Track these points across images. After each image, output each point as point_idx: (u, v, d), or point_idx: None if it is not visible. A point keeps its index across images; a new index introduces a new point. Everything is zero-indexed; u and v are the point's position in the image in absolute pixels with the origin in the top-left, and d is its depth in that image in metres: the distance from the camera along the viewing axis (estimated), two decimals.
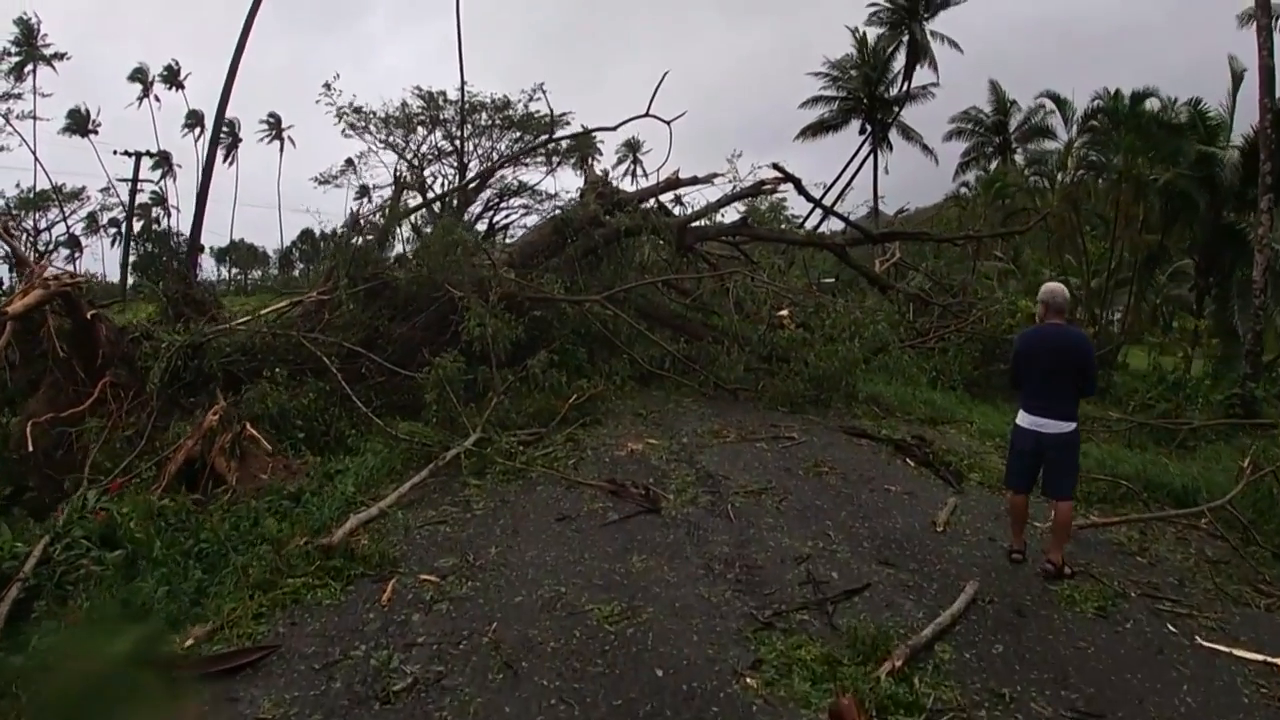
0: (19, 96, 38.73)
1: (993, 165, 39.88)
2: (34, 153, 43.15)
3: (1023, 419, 5.73)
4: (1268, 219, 16.07)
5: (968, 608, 4.94)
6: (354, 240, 11.52)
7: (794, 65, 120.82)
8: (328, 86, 24.28)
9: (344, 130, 30.41)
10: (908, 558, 5.83)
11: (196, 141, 59.91)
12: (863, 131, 44.63)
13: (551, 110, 27.36)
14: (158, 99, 61.86)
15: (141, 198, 48.24)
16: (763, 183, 15.56)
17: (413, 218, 20.21)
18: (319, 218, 73.04)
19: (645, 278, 13.06)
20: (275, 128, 73.89)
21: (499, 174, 31.73)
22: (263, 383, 8.47)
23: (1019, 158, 39.10)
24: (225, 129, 67.52)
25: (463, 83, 29.78)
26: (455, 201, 26.85)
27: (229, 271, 76.02)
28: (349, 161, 33.39)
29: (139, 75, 60.91)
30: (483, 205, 32.44)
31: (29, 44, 44.93)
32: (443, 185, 31.40)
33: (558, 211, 16.94)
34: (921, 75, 42.95)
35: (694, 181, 15.75)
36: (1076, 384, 5.64)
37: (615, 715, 3.76)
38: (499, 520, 6.37)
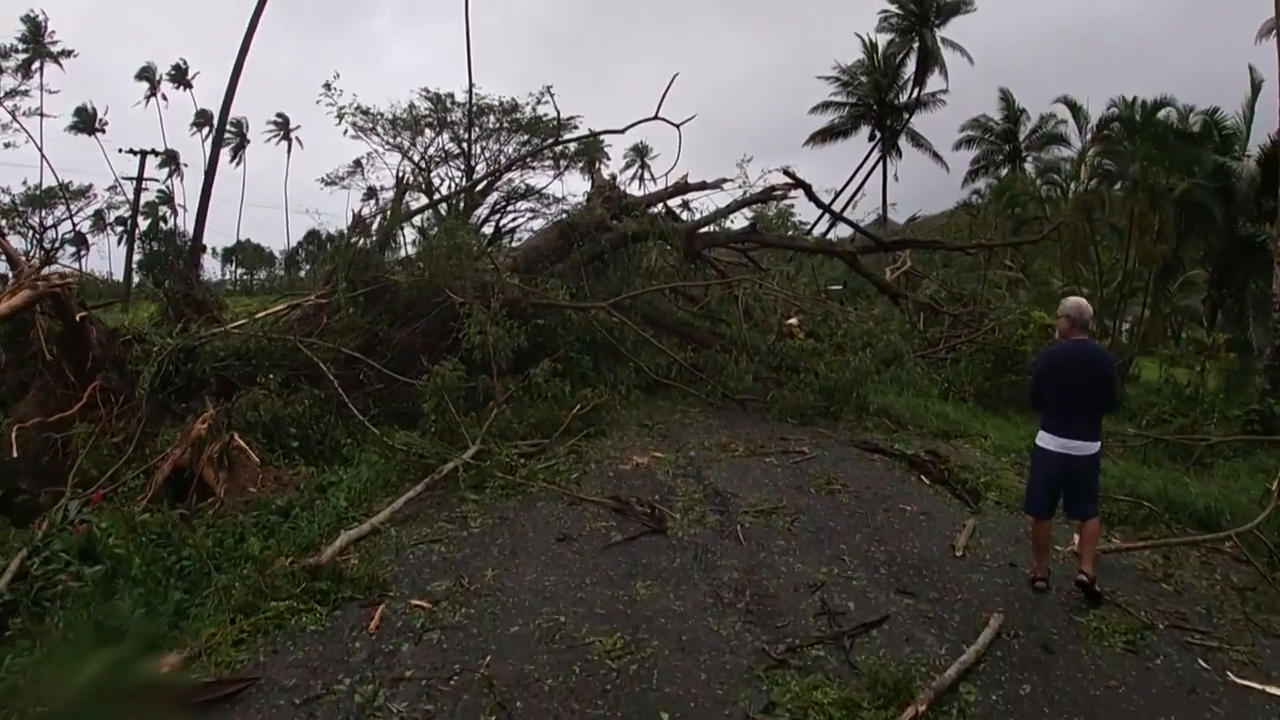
0: (26, 93, 38.69)
1: (1002, 173, 39.57)
2: (40, 150, 43.14)
3: (1049, 441, 5.45)
4: None
5: (992, 643, 4.66)
6: (355, 242, 11.25)
7: (801, 71, 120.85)
8: (328, 86, 24.02)
9: (345, 131, 30.21)
10: (927, 585, 5.54)
11: (204, 141, 60.01)
12: (872, 138, 44.38)
13: (559, 112, 27.12)
14: (165, 98, 62.08)
15: (148, 196, 48.22)
16: (773, 188, 15.25)
17: (418, 220, 20.04)
18: (318, 218, 72.88)
19: (652, 284, 12.77)
20: (283, 128, 73.93)
21: (506, 177, 31.49)
22: (255, 390, 8.18)
23: (1029, 166, 38.85)
24: (232, 129, 67.78)
25: (471, 84, 29.60)
26: (461, 204, 26.60)
27: (234, 272, 76.07)
28: (356, 163, 33.15)
29: (146, 74, 61.04)
30: (489, 209, 32.20)
31: (36, 41, 44.90)
32: (450, 188, 31.20)
33: (564, 215, 16.67)
34: (932, 82, 42.80)
35: (703, 187, 15.45)
36: (1102, 402, 5.46)
37: None
38: (497, 539, 6.08)
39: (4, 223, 36.34)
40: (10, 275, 9.68)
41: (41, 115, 42.78)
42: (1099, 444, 5.42)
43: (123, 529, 5.74)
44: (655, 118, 14.34)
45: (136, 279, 34.51)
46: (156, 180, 48.09)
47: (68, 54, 47.05)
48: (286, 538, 5.89)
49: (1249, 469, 9.45)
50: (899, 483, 7.98)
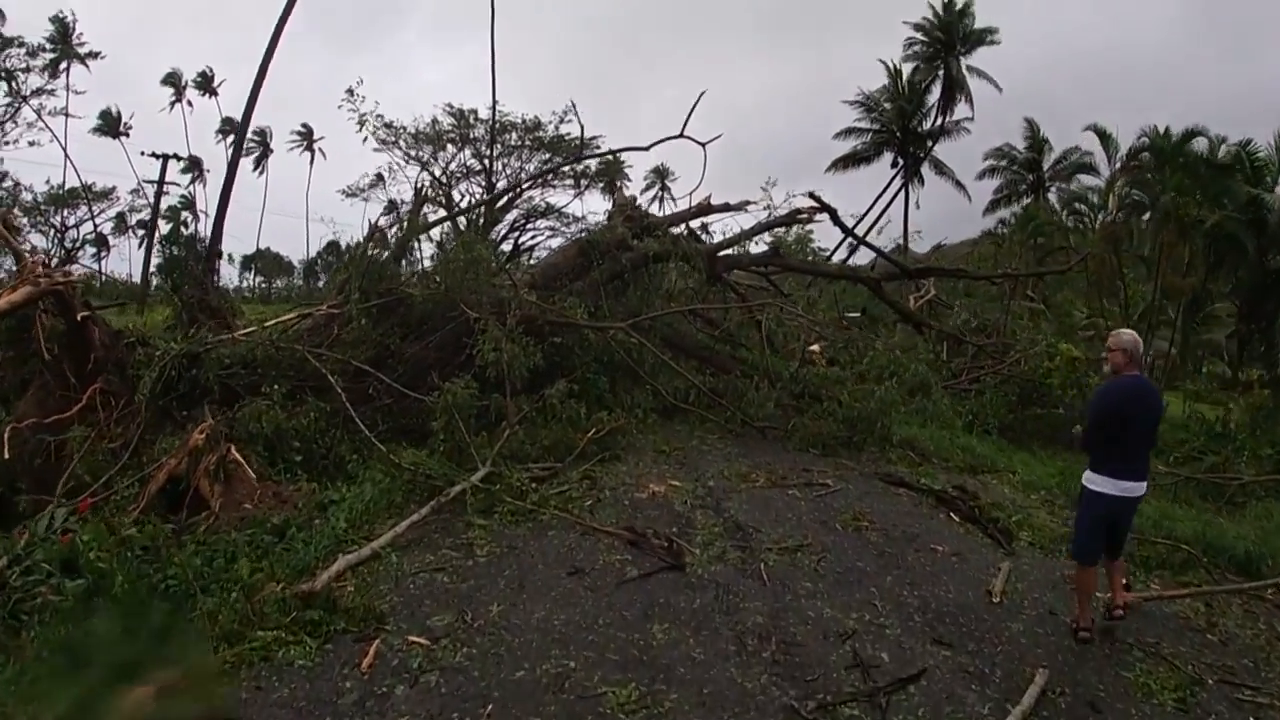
0: (52, 92, 38.88)
1: (1025, 203, 39.22)
2: (65, 149, 43.40)
3: (1105, 484, 5.15)
4: None
5: (1038, 702, 4.32)
6: (370, 252, 10.98)
7: (821, 97, 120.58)
8: (350, 92, 23.87)
9: (365, 139, 30.16)
10: (965, 635, 5.17)
11: (228, 149, 60.28)
12: (895, 165, 44.09)
13: (583, 127, 26.93)
14: (190, 104, 62.43)
15: (170, 201, 48.46)
16: (798, 211, 14.98)
17: (437, 234, 19.81)
18: (333, 227, 72.95)
19: (672, 306, 12.43)
20: (306, 138, 74.46)
21: (527, 194, 31.33)
22: (258, 400, 7.86)
23: (1052, 196, 38.45)
24: (256, 138, 68.30)
25: (494, 101, 29.52)
26: (481, 220, 26.41)
27: (253, 279, 76.39)
28: (379, 176, 33.07)
29: (172, 80, 61.52)
30: (508, 226, 32.02)
31: (64, 41, 45.33)
32: (470, 204, 31.03)
33: (584, 233, 16.40)
34: (957, 110, 42.50)
35: (726, 208, 15.18)
36: (1153, 441, 5.46)
37: None
38: (504, 570, 5.70)
39: (25, 219, 36.49)
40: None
41: (67, 115, 43.05)
42: (1146, 483, 5.32)
43: (107, 542, 5.40)
44: (681, 136, 14.09)
45: (155, 282, 34.53)
46: (178, 185, 48.41)
47: (95, 55, 47.51)
48: (280, 560, 5.53)
49: None
50: (927, 520, 7.61)
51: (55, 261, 37.20)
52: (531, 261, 24.98)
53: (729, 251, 14.83)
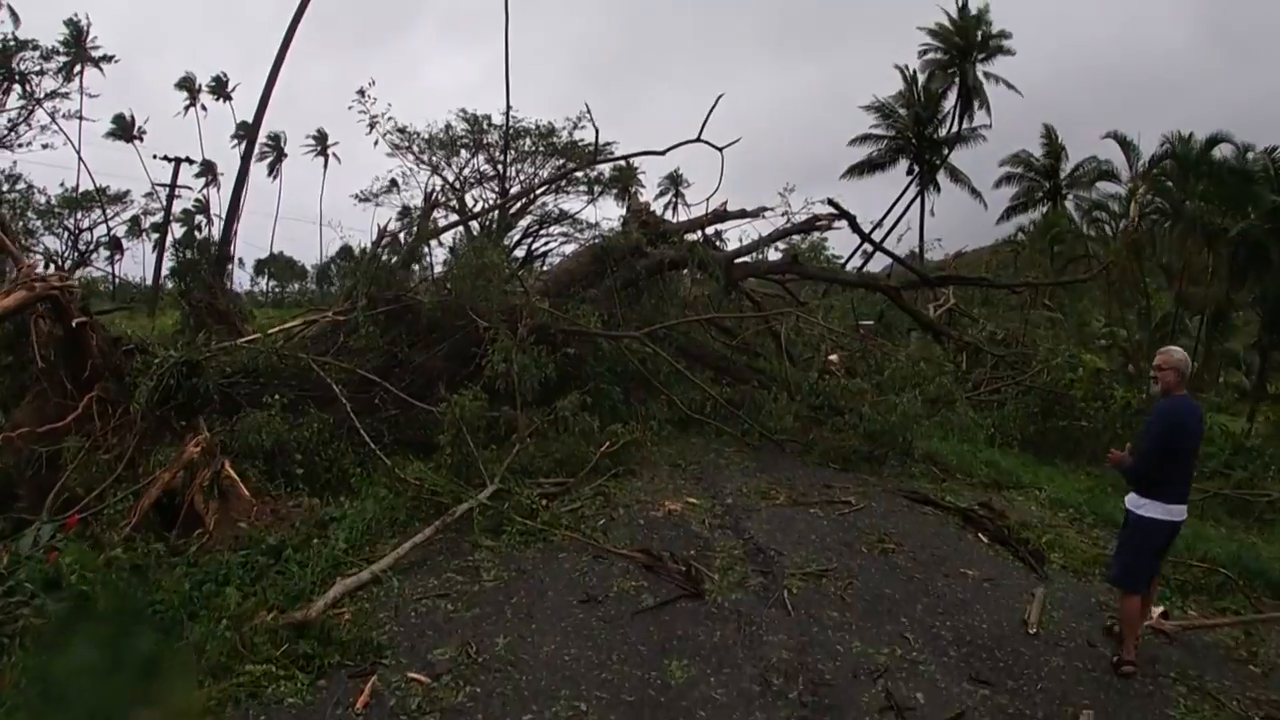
0: (66, 95, 38.83)
1: (1041, 211, 38.69)
2: (79, 153, 43.30)
3: (1159, 510, 4.92)
4: None
5: None
6: (379, 256, 10.70)
7: (834, 105, 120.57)
8: (361, 93, 23.62)
9: (376, 142, 29.97)
10: (1002, 672, 4.83)
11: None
12: (910, 172, 43.62)
13: (597, 131, 26.58)
14: (204, 108, 62.50)
15: (183, 204, 48.49)
16: (816, 218, 14.63)
17: (449, 238, 19.55)
18: (340, 231, 72.79)
19: (689, 314, 12.10)
20: (320, 143, 74.63)
21: (540, 200, 31.07)
22: (257, 412, 7.55)
23: (1069, 204, 37.92)
24: (270, 143, 68.43)
25: (508, 107, 29.29)
26: (494, 225, 26.13)
27: (267, 284, 76.50)
28: (393, 182, 32.85)
29: (186, 84, 61.63)
30: (521, 232, 31.77)
31: (78, 45, 45.40)
32: (482, 209, 30.80)
33: (598, 239, 16.11)
34: (973, 117, 41.99)
35: (743, 215, 14.86)
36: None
37: None
38: (511, 597, 5.36)
39: (39, 222, 36.56)
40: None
41: (81, 119, 42.98)
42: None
43: (91, 562, 5.09)
44: (698, 139, 13.78)
45: (169, 285, 34.49)
46: (190, 188, 48.30)
47: (109, 59, 47.54)
48: (274, 584, 5.19)
49: None
50: (955, 541, 7.27)
51: (69, 264, 37.46)
52: (544, 268, 24.71)
53: (745, 259, 14.52)
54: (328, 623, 4.59)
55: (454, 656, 4.49)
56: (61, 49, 42.06)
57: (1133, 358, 23.60)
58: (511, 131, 30.18)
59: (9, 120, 34.23)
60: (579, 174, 29.43)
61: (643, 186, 30.91)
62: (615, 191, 31.83)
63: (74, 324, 7.45)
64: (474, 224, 22.53)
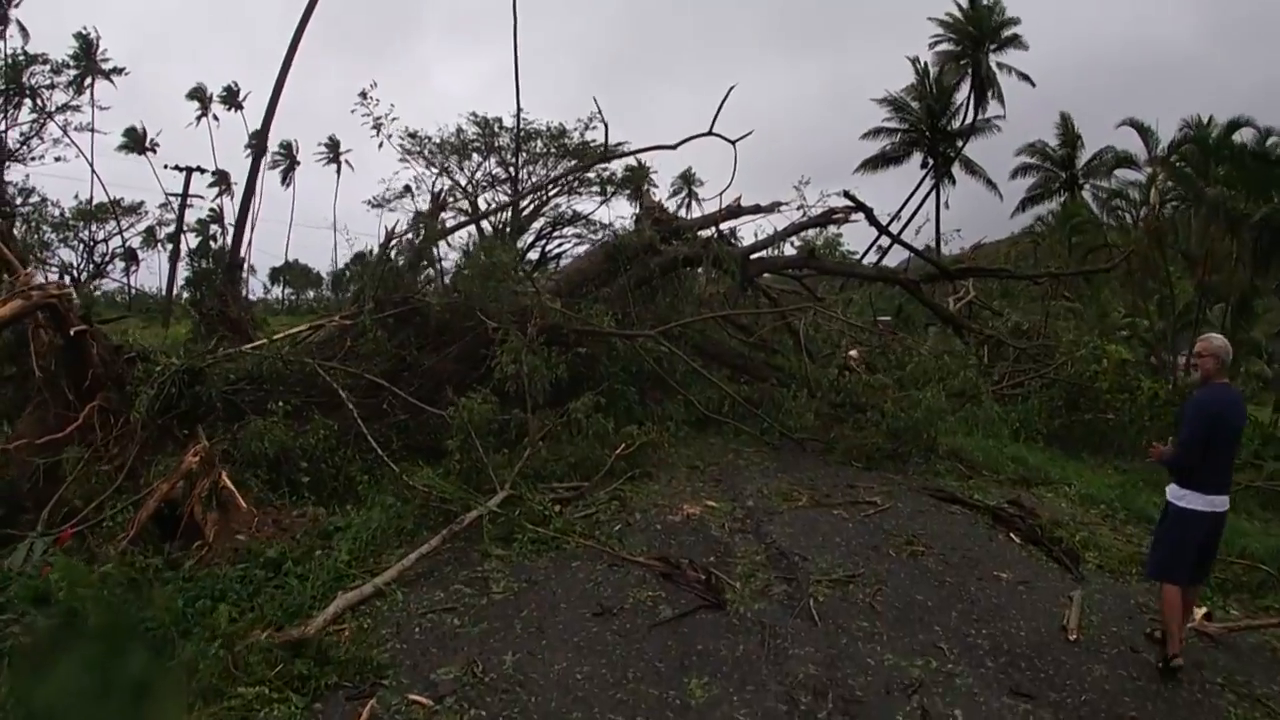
0: (78, 108, 38.99)
1: (1057, 201, 38.10)
2: (91, 165, 43.53)
3: (1198, 501, 4.85)
4: None
5: None
6: (388, 257, 10.47)
7: (845, 99, 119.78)
8: (364, 95, 23.45)
9: (380, 144, 29.86)
10: (1044, 683, 4.55)
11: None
12: (924, 165, 43.12)
13: (607, 128, 26.30)
14: (216, 118, 62.80)
15: (196, 214, 48.73)
16: (833, 211, 14.28)
17: (461, 240, 19.31)
18: (349, 236, 72.84)
19: (704, 311, 11.80)
20: (333, 151, 74.88)
21: (552, 202, 30.91)
22: (260, 419, 7.33)
23: (1086, 194, 37.29)
24: (282, 152, 68.68)
25: (519, 109, 29.20)
26: (507, 228, 25.94)
27: (282, 291, 76.87)
28: (406, 188, 32.76)
29: (198, 94, 61.95)
30: (534, 234, 31.64)
31: (88, 58, 45.66)
32: (493, 208, 30.68)
33: (611, 237, 15.87)
34: (987, 108, 41.48)
35: (757, 210, 14.51)
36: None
37: None
38: (522, 610, 5.08)
39: (54, 235, 36.81)
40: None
41: (93, 131, 43.04)
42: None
43: (82, 578, 4.88)
44: (710, 133, 13.49)
45: (184, 295, 34.60)
46: (203, 198, 48.58)
47: (119, 71, 47.76)
48: (272, 599, 4.95)
49: None
50: (986, 542, 6.94)
51: (85, 276, 37.68)
52: (557, 269, 24.49)
53: (761, 254, 14.23)
54: (326, 640, 4.35)
55: (459, 676, 4.23)
56: (71, 62, 42.34)
57: (1154, 349, 23.10)
58: (522, 134, 30.08)
59: (21, 134, 34.48)
60: (591, 174, 29.27)
61: (655, 186, 30.65)
62: (628, 192, 31.60)
63: (72, 333, 7.27)
64: (487, 227, 22.37)
